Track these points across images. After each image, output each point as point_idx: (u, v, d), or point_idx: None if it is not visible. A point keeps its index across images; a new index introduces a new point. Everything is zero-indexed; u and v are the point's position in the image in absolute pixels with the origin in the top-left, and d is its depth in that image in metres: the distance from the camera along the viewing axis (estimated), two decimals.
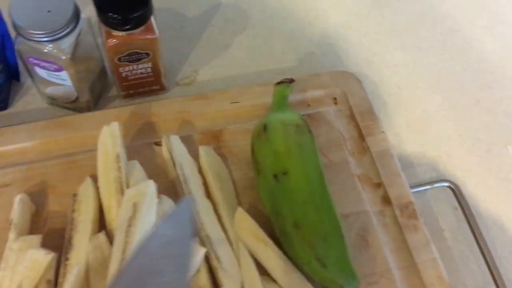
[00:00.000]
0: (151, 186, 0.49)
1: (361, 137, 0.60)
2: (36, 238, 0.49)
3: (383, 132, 0.60)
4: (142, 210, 0.47)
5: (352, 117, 0.62)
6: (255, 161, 0.53)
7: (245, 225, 0.51)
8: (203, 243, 0.50)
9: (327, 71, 0.66)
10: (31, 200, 0.53)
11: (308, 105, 0.62)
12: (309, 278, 0.49)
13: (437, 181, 0.60)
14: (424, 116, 0.67)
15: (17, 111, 0.63)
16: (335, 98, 0.63)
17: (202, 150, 0.56)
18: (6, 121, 0.61)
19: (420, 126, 0.66)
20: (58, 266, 0.49)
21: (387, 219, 0.56)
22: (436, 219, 0.60)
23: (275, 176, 0.51)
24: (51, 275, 0.48)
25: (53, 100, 0.61)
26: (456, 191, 0.59)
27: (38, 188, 0.54)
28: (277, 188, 0.50)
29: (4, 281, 0.46)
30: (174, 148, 0.55)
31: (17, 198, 0.51)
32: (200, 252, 0.48)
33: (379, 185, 0.57)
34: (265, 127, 0.54)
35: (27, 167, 0.55)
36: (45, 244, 0.50)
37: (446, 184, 0.60)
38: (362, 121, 0.61)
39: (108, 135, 0.53)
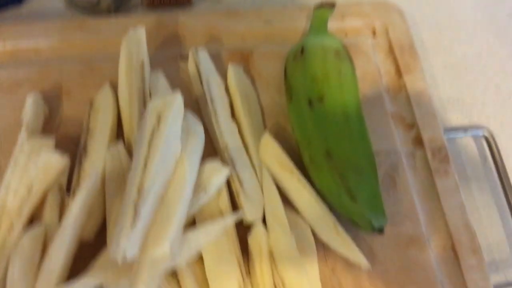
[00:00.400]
0: (178, 98, 0.45)
1: (399, 73, 0.56)
2: (50, 140, 0.45)
3: (422, 71, 0.56)
4: (167, 122, 0.44)
5: (390, 51, 0.58)
6: (288, 85, 0.50)
7: (271, 151, 0.48)
8: (226, 165, 0.48)
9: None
10: (44, 104, 0.49)
11: (346, 35, 0.58)
12: (333, 211, 0.46)
13: (471, 128, 0.57)
14: (462, 61, 0.63)
15: (32, 8, 0.58)
16: (374, 31, 0.59)
17: (232, 69, 0.52)
18: (19, 18, 0.57)
19: (457, 71, 0.63)
20: (71, 173, 0.46)
21: (417, 161, 0.53)
22: (463, 167, 0.57)
23: (309, 101, 0.47)
24: (63, 181, 0.45)
25: (71, 2, 0.56)
26: (490, 140, 0.56)
27: (52, 91, 0.50)
28: (311, 114, 0.47)
29: (12, 182, 0.43)
30: (201, 62, 0.51)
31: (30, 98, 0.48)
32: (223, 171, 0.45)
33: (412, 126, 0.54)
34: (302, 50, 0.50)
35: (41, 67, 0.51)
36: (56, 150, 0.48)
37: (480, 132, 0.57)
38: (401, 57, 0.57)
39: (134, 40, 0.49)
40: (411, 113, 0.55)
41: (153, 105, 0.45)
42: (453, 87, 0.61)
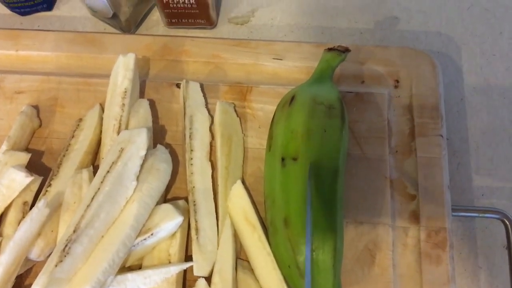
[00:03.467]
0: (142, 135, 0.44)
1: (412, 135, 0.50)
2: (25, 156, 0.47)
3: (440, 136, 0.49)
4: (124, 158, 0.43)
5: (409, 108, 0.51)
6: (270, 134, 0.46)
7: (239, 202, 0.46)
8: (188, 209, 0.46)
9: (404, 46, 0.55)
10: (39, 114, 0.51)
11: (363, 82, 0.52)
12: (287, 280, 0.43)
13: (489, 211, 0.48)
14: (507, 127, 0.54)
15: (61, 14, 0.60)
16: (397, 81, 0.52)
17: (220, 106, 0.49)
18: (47, 23, 0.59)
19: (494, 144, 0.54)
20: (41, 189, 0.47)
21: (408, 240, 0.47)
22: (475, 253, 0.50)
23: (283, 159, 0.43)
24: (29, 197, 0.46)
25: (94, 12, 0.57)
26: (510, 227, 0.48)
27: (48, 103, 0.52)
28: (281, 172, 0.43)
29: None
30: (190, 96, 0.49)
31: (22, 109, 0.50)
32: (177, 219, 0.43)
33: (413, 197, 0.48)
34: (292, 99, 0.46)
35: (44, 77, 0.53)
36: (38, 163, 0.49)
37: (498, 216, 0.48)
38: (419, 116, 0.50)
39: (122, 66, 0.48)
40: (415, 183, 0.48)
41: (119, 138, 0.45)
42: (486, 160, 0.53)
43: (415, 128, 0.50)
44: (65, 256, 0.39)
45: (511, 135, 0.54)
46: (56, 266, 0.39)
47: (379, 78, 0.52)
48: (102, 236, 0.41)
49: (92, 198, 0.42)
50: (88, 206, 0.41)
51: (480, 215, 0.48)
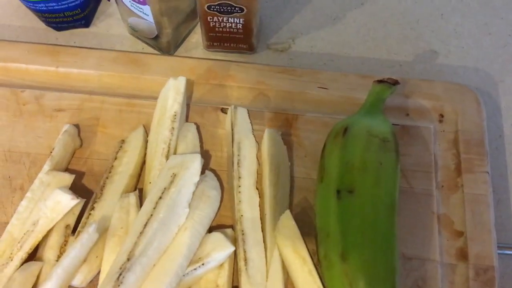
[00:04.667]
0: (196, 161, 0.43)
1: (458, 170, 0.50)
2: (68, 177, 0.46)
3: (487, 172, 0.49)
4: (178, 185, 0.42)
5: (455, 143, 0.51)
6: (322, 165, 0.46)
7: (287, 233, 0.45)
8: (235, 238, 0.45)
9: (443, 80, 0.55)
10: (79, 134, 0.50)
11: (407, 115, 0.52)
12: None
13: None
14: None
15: (98, 31, 0.59)
16: (442, 115, 0.52)
17: (268, 134, 0.49)
18: (84, 40, 0.58)
19: None
20: (83, 212, 0.45)
21: (456, 277, 0.46)
22: None
23: (338, 191, 0.43)
24: (72, 220, 0.45)
25: (134, 32, 0.56)
26: None
27: (89, 122, 0.50)
28: (337, 205, 0.42)
29: (25, 212, 0.44)
30: (238, 122, 0.49)
31: (65, 128, 0.48)
32: (228, 248, 0.42)
33: (460, 234, 0.47)
34: (345, 130, 0.45)
35: (86, 96, 0.52)
36: (78, 184, 0.48)
37: None
38: (465, 152, 0.50)
39: (172, 89, 0.48)
40: (463, 219, 0.48)
41: (171, 163, 0.44)
42: None
43: (462, 164, 0.49)
44: (119, 286, 0.38)
45: None
46: None
47: (424, 111, 0.52)
48: (154, 265, 0.40)
49: (145, 225, 0.40)
50: (141, 233, 0.40)
51: None
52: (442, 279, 0.46)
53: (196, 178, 0.43)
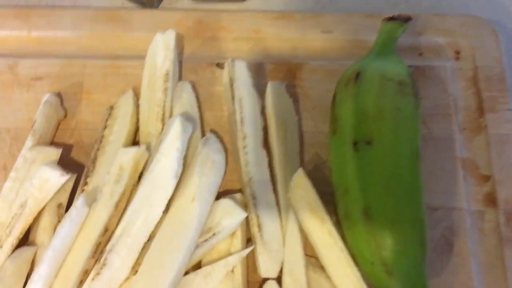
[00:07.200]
0: (175, 125, 0.38)
1: (480, 110, 0.46)
2: (55, 152, 0.41)
3: (510, 110, 0.45)
4: (156, 156, 0.38)
5: (474, 81, 0.47)
6: (334, 116, 0.41)
7: (302, 193, 0.41)
8: (246, 203, 0.41)
9: (455, 13, 0.50)
10: (62, 103, 0.45)
11: (420, 54, 0.48)
12: (366, 278, 0.38)
13: None
14: None
15: None
16: (458, 52, 0.48)
17: (271, 87, 0.44)
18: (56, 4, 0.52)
19: None
20: (76, 188, 0.41)
21: (485, 225, 0.43)
22: None
23: (355, 143, 0.39)
24: (64, 199, 0.40)
25: None
26: None
27: (72, 90, 0.46)
28: (354, 158, 0.39)
29: (10, 193, 0.40)
30: (237, 77, 0.44)
31: (45, 98, 0.43)
32: (239, 215, 0.39)
33: (487, 178, 0.44)
34: (357, 75, 0.41)
35: (65, 61, 0.47)
36: (66, 159, 0.43)
37: None
38: (486, 89, 0.46)
39: (161, 45, 0.43)
40: (489, 162, 0.44)
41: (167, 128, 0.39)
42: None
43: (483, 102, 0.46)
44: (101, 268, 0.34)
45: None
46: (93, 279, 0.34)
47: (438, 49, 0.48)
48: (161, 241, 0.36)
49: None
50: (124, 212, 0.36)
51: None
52: (470, 228, 0.43)
53: (178, 143, 0.38)
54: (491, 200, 0.43)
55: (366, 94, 0.40)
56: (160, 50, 0.42)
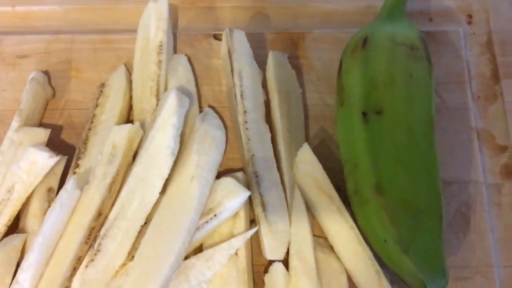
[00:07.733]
0: (171, 97, 0.36)
1: (495, 77, 0.43)
2: (43, 133, 0.39)
3: None
4: (151, 133, 0.35)
5: (489, 46, 0.44)
6: (341, 85, 0.39)
7: (308, 169, 0.38)
8: (249, 182, 0.38)
9: None
10: (50, 81, 0.42)
11: (430, 20, 0.45)
12: (379, 257, 0.36)
13: None
14: None
15: None
16: (470, 16, 0.45)
17: (272, 58, 0.41)
18: None
19: None
20: (67, 171, 0.39)
21: (503, 198, 0.41)
22: None
23: (364, 114, 0.36)
24: (54, 182, 0.38)
25: None
26: None
27: (60, 67, 0.43)
28: (364, 130, 0.36)
29: None
30: (236, 48, 0.41)
31: (31, 76, 0.41)
32: (241, 195, 0.36)
33: (504, 148, 0.42)
34: (365, 41, 0.38)
35: (52, 37, 0.44)
36: (56, 140, 0.41)
37: None
38: (502, 54, 0.44)
39: (153, 15, 0.40)
40: (505, 132, 0.42)
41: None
42: None
43: (499, 68, 0.43)
44: (96, 254, 0.32)
45: None
46: (87, 266, 0.32)
47: (450, 13, 0.45)
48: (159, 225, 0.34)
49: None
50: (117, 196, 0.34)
51: None
52: (487, 202, 0.40)
53: (174, 118, 0.35)
54: (508, 172, 0.41)
55: (375, 60, 0.37)
56: (153, 20, 0.40)
